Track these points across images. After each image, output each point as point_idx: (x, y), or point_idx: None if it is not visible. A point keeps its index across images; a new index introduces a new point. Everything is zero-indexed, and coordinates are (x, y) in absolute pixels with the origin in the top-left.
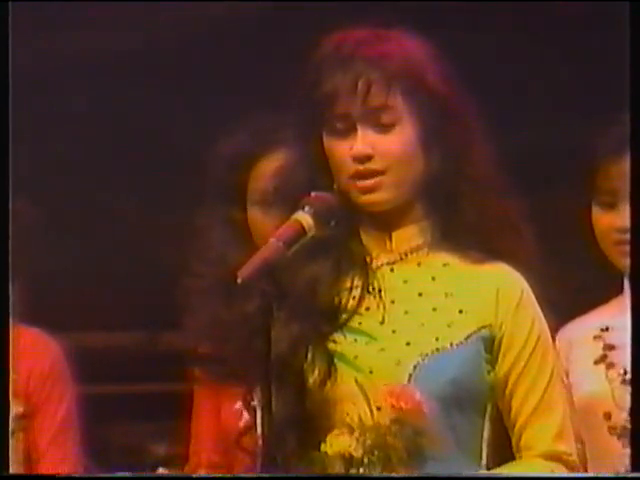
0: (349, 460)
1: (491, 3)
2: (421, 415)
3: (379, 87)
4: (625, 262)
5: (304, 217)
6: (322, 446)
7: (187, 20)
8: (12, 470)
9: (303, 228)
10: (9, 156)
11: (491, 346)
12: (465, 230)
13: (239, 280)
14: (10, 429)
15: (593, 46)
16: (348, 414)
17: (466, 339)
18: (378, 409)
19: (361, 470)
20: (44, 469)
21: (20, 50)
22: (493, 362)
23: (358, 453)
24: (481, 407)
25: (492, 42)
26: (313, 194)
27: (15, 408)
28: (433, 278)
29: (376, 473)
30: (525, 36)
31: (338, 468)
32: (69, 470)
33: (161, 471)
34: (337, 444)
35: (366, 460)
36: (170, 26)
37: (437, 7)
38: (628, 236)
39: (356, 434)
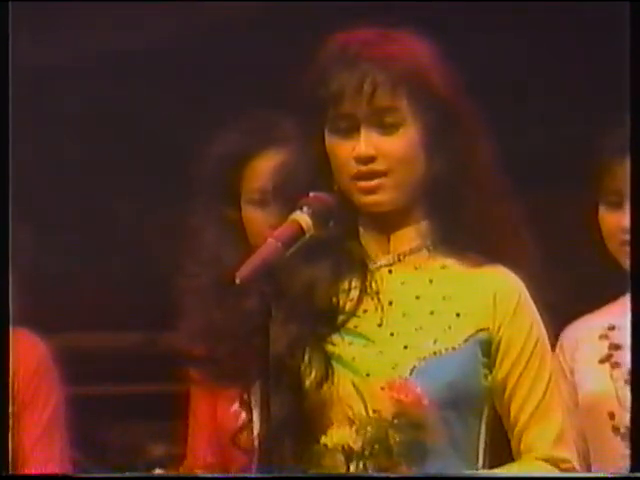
0: (349, 453)
1: (490, 3)
2: (421, 408)
3: (385, 88)
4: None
5: (302, 217)
6: (322, 439)
7: (186, 20)
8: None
9: (302, 228)
10: (9, 156)
11: (489, 349)
12: (465, 233)
13: (237, 280)
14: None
15: (593, 46)
16: (346, 414)
17: (464, 342)
18: (374, 412)
19: (361, 463)
20: (30, 469)
21: (20, 50)
22: (491, 365)
23: (358, 446)
24: (478, 410)
25: (492, 42)
26: (311, 194)
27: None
28: (430, 281)
29: (376, 466)
30: (525, 36)
31: (338, 461)
32: (54, 470)
33: (157, 472)
34: (337, 437)
35: (367, 453)
36: (170, 25)
37: (437, 7)
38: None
39: (356, 427)
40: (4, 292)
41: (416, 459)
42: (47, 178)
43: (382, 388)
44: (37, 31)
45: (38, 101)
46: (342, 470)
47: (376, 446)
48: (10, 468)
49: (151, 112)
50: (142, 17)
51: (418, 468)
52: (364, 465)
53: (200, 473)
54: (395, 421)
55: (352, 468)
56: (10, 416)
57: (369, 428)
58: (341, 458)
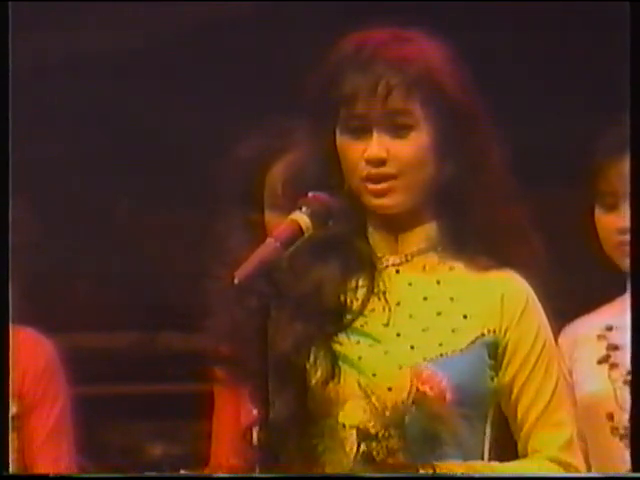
0: (364, 432)
1: (489, 3)
2: (443, 403)
3: (399, 91)
4: (628, 262)
5: (301, 217)
6: (340, 416)
7: (190, 19)
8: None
9: (300, 228)
10: (9, 156)
11: (495, 352)
12: (474, 236)
13: (236, 281)
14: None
15: (593, 46)
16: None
17: (470, 344)
18: (390, 390)
19: (374, 444)
20: (38, 468)
21: (20, 50)
22: (497, 368)
23: (375, 428)
24: (484, 412)
25: (491, 42)
26: (310, 194)
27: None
28: (438, 282)
29: (387, 450)
30: (525, 36)
31: (351, 439)
32: (63, 470)
33: (182, 472)
34: (355, 417)
35: (380, 435)
36: (171, 25)
37: (436, 7)
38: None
39: (376, 410)
40: (4, 292)
41: (429, 449)
42: (47, 178)
43: (399, 367)
44: (37, 31)
45: (38, 101)
46: (353, 448)
47: (391, 430)
48: (18, 468)
49: (151, 112)
50: (143, 16)
51: (428, 459)
52: (376, 447)
53: (221, 474)
54: (414, 409)
55: (363, 447)
56: (17, 416)
57: (388, 411)
58: (354, 437)
